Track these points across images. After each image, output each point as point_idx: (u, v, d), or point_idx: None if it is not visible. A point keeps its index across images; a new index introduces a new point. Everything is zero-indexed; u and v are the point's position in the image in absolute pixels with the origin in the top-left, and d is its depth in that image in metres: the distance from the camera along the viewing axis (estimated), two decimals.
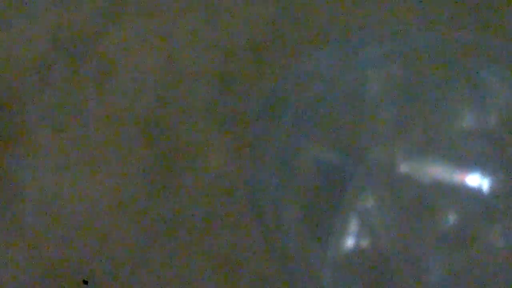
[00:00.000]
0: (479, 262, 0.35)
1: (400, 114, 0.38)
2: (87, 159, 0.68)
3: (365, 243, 0.37)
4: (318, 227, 0.39)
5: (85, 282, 0.67)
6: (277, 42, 0.69)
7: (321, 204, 0.39)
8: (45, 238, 0.67)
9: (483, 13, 0.68)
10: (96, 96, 0.68)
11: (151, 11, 0.68)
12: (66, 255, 0.68)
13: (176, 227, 0.68)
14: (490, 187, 0.36)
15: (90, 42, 0.68)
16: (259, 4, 0.68)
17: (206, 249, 0.68)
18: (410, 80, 0.39)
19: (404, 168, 0.37)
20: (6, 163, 0.67)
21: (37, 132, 0.67)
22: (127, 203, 0.68)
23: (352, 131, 0.40)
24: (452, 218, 0.36)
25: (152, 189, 0.68)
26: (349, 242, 0.38)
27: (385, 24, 0.66)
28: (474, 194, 0.36)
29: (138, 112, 0.68)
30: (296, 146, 0.43)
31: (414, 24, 0.47)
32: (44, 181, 0.67)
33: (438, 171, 0.36)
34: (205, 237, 0.68)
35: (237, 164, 0.68)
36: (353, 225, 0.37)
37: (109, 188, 0.68)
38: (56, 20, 0.67)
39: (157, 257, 0.68)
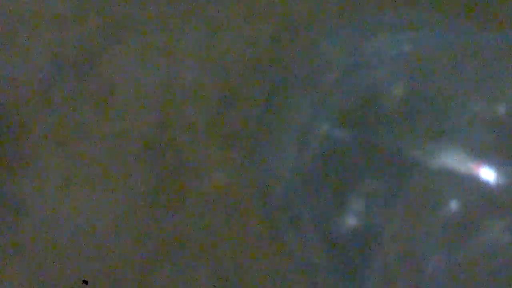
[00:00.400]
0: (482, 256, 0.35)
1: (409, 101, 0.38)
2: (90, 178, 0.68)
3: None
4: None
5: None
6: (278, 58, 0.69)
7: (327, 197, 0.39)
8: (46, 256, 0.67)
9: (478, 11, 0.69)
10: (98, 114, 0.68)
11: (151, 29, 0.68)
12: (67, 274, 0.67)
13: (179, 245, 0.67)
14: (498, 180, 0.36)
15: (92, 61, 0.68)
16: (259, 20, 0.68)
17: (210, 267, 0.67)
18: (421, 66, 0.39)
19: (411, 154, 0.37)
20: (8, 181, 0.67)
21: (40, 151, 0.67)
22: (130, 222, 0.67)
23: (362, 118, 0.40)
24: (456, 209, 0.36)
25: (155, 208, 0.68)
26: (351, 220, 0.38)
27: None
28: (481, 186, 0.36)
29: (140, 130, 0.68)
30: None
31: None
32: (46, 199, 0.67)
33: (445, 160, 0.36)
34: (210, 255, 0.68)
35: (240, 181, 0.68)
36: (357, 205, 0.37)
37: (111, 207, 0.68)
38: (57, 39, 0.67)
39: (161, 276, 0.67)
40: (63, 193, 0.67)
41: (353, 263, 0.38)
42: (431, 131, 0.38)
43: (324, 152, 0.41)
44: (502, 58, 0.38)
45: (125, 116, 0.68)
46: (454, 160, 0.37)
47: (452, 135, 0.37)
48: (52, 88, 0.67)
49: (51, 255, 0.67)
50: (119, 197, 0.68)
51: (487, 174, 0.36)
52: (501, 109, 0.37)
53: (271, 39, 0.69)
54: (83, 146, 0.67)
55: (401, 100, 0.39)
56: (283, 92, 0.48)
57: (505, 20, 0.68)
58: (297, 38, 0.69)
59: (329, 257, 0.39)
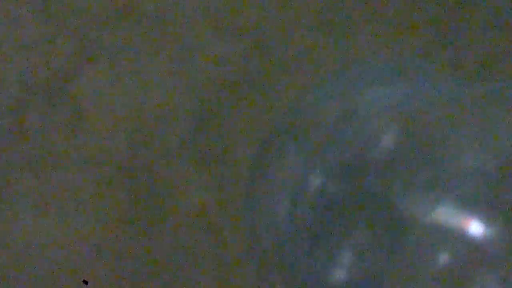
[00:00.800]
0: None
1: (402, 152, 0.38)
2: (64, 204, 0.67)
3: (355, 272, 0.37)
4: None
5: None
6: (250, 77, 0.68)
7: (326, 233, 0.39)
8: (22, 284, 0.66)
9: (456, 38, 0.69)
10: (70, 140, 0.67)
11: (121, 53, 0.67)
12: None
13: (158, 268, 0.67)
14: (489, 233, 0.36)
15: (63, 86, 0.67)
16: (230, 40, 0.68)
17: None
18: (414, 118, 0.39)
19: (402, 205, 0.37)
20: None
21: (12, 178, 0.66)
22: (106, 247, 0.67)
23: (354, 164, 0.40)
24: (447, 261, 0.36)
25: (132, 231, 0.67)
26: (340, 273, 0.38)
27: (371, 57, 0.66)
28: (472, 239, 0.36)
29: (114, 154, 0.67)
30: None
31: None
32: (21, 226, 0.66)
33: (437, 212, 0.36)
34: (188, 276, 0.67)
35: (217, 201, 0.68)
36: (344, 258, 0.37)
37: (87, 233, 0.67)
38: (27, 65, 0.66)
39: None
40: (38, 221, 0.66)
41: None
42: (423, 183, 0.38)
43: (315, 204, 0.41)
44: (495, 110, 0.38)
45: (97, 140, 0.67)
46: (445, 212, 0.37)
47: (444, 187, 0.38)
48: (23, 114, 0.66)
49: (27, 282, 0.66)
50: (94, 223, 0.67)
51: (478, 227, 0.37)
52: (493, 161, 0.37)
53: (242, 58, 0.68)
54: (56, 172, 0.67)
55: (393, 152, 0.39)
56: (274, 146, 0.47)
57: (498, 72, 0.69)
58: (269, 57, 0.68)
59: None
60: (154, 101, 0.68)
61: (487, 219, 0.36)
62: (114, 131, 0.67)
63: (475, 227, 0.36)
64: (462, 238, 0.36)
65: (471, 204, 0.36)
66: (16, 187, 0.66)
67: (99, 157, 0.67)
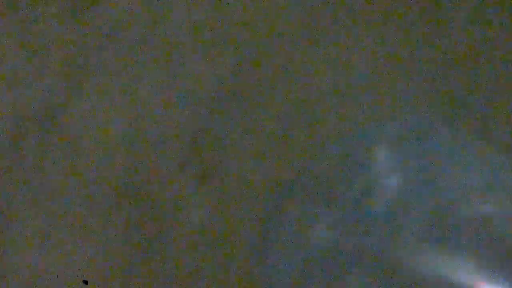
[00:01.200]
0: None
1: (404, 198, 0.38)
2: (66, 232, 0.67)
3: None
4: None
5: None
6: (242, 91, 0.68)
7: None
8: None
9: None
10: (67, 167, 0.67)
11: (111, 75, 0.67)
12: None
13: (161, 287, 0.67)
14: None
15: (55, 115, 0.67)
16: (220, 54, 0.68)
17: None
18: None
19: (399, 254, 0.37)
20: None
21: (12, 209, 0.67)
22: (110, 270, 0.67)
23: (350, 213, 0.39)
24: None
25: (135, 253, 0.67)
26: None
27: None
28: None
29: (111, 178, 0.67)
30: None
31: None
32: (24, 258, 0.67)
33: (435, 266, 0.36)
34: None
35: (218, 217, 0.68)
36: None
37: (90, 258, 0.67)
38: (18, 97, 0.66)
39: None
40: (41, 250, 0.67)
41: None
42: (422, 230, 0.38)
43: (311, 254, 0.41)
44: (505, 170, 0.38)
45: (94, 165, 0.67)
46: (445, 267, 0.37)
47: (444, 241, 0.37)
48: (18, 147, 0.66)
49: None
50: (98, 248, 0.67)
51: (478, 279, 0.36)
52: (496, 222, 0.36)
53: (233, 72, 0.68)
54: (56, 201, 0.67)
55: (392, 203, 0.39)
56: (281, 211, 0.47)
57: (506, 130, 0.68)
58: (260, 70, 0.68)
59: None
60: (148, 119, 0.67)
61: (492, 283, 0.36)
62: (110, 154, 0.67)
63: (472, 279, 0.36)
64: None
65: (473, 264, 0.36)
66: (16, 217, 0.67)
67: (97, 181, 0.67)
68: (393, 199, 0.38)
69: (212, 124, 0.68)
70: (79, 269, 0.67)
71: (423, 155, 0.41)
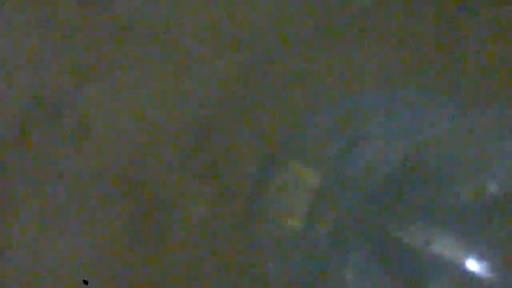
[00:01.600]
0: None
1: (401, 182, 0.39)
2: (68, 218, 0.68)
3: None
4: None
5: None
6: (250, 89, 0.69)
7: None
8: None
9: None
10: (74, 154, 0.67)
11: (123, 66, 0.68)
12: None
13: (161, 281, 0.68)
14: (486, 270, 0.36)
15: (66, 101, 0.67)
16: (229, 52, 0.68)
17: None
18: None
19: (399, 237, 0.37)
20: None
21: (17, 193, 0.67)
22: (110, 260, 0.68)
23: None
24: None
25: (135, 245, 0.68)
26: None
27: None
28: (468, 276, 0.36)
29: (116, 168, 0.68)
30: None
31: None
32: (25, 240, 0.67)
33: (434, 245, 0.36)
34: None
35: (219, 214, 0.68)
36: None
37: (91, 246, 0.68)
38: (32, 81, 0.67)
39: None
40: (42, 235, 0.67)
41: None
42: (422, 215, 0.38)
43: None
44: (495, 140, 0.38)
45: (101, 154, 0.68)
46: (443, 246, 0.38)
47: (443, 218, 0.38)
48: (28, 129, 0.67)
49: None
50: (98, 235, 0.68)
51: (476, 264, 0.37)
52: (493, 192, 0.37)
53: (242, 71, 0.69)
54: (60, 186, 0.67)
55: (392, 181, 0.39)
56: (276, 161, 0.48)
57: (496, 100, 0.69)
58: (269, 71, 0.69)
59: None
60: (155, 114, 0.68)
61: (484, 256, 0.36)
62: (117, 144, 0.68)
63: (471, 264, 0.37)
64: (458, 273, 0.37)
65: (469, 238, 0.37)
66: (21, 202, 0.67)
67: (102, 170, 0.68)
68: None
69: (220, 120, 0.68)
70: (75, 256, 0.67)
71: None
